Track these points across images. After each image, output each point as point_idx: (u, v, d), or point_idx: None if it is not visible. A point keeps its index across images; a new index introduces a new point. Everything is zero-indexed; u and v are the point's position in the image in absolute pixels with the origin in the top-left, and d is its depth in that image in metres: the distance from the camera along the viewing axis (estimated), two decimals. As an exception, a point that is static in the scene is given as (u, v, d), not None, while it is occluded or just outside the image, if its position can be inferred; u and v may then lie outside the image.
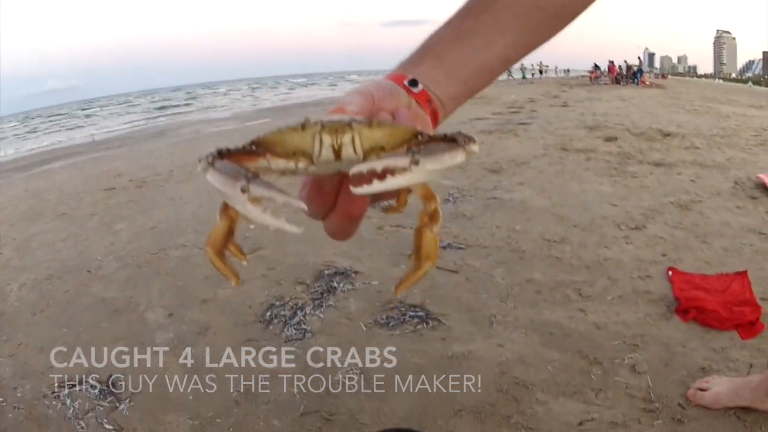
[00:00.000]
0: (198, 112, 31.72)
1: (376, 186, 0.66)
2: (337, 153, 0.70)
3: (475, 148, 0.71)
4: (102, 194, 7.04)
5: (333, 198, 0.75)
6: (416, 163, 0.65)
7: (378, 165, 0.66)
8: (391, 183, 0.66)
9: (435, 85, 0.90)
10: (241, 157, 0.71)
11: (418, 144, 0.73)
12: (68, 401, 2.72)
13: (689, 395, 2.42)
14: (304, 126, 0.69)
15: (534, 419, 2.36)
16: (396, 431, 1.75)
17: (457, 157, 0.69)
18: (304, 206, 0.68)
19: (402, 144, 0.74)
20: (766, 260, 3.78)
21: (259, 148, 0.73)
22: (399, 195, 0.83)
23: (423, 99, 0.88)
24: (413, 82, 0.88)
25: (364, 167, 0.67)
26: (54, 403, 2.72)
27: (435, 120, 0.90)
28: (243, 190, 0.62)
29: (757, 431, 2.22)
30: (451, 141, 0.71)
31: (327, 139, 0.69)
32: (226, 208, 0.74)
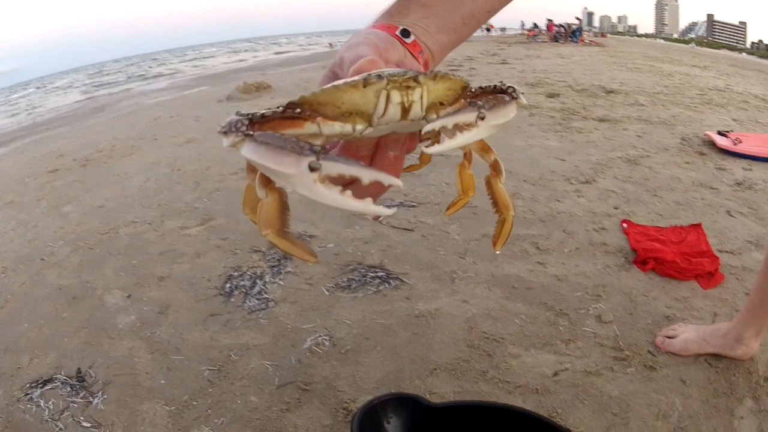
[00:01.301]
0: (135, 84, 31.13)
1: (446, 144, 0.63)
2: (405, 111, 0.63)
3: (524, 99, 0.71)
4: (47, 177, 6.84)
5: (368, 163, 0.69)
6: (482, 118, 0.64)
7: (449, 122, 0.63)
8: (461, 139, 0.63)
9: (425, 36, 0.89)
10: (280, 124, 0.62)
11: (474, 96, 0.71)
12: (42, 402, 2.61)
13: (657, 343, 2.47)
14: (366, 82, 0.61)
15: (509, 372, 2.38)
16: (393, 397, 1.73)
17: (513, 110, 0.69)
18: (400, 183, 0.59)
19: (456, 98, 0.70)
20: (719, 213, 3.87)
21: (303, 110, 0.64)
22: (423, 153, 0.74)
23: (416, 50, 0.86)
24: (405, 32, 0.85)
25: (437, 125, 0.63)
26: (29, 406, 2.61)
27: (426, 70, 0.88)
28: (312, 168, 0.52)
29: (730, 377, 2.27)
30: (501, 92, 0.71)
31: (396, 96, 0.62)
32: (268, 180, 0.65)
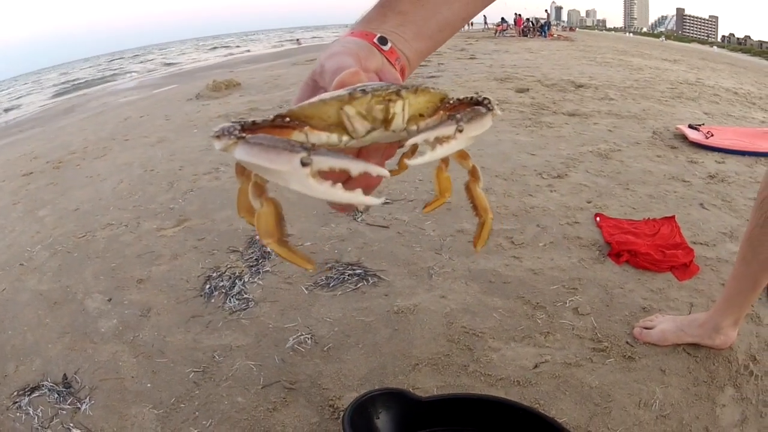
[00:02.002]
0: (104, 84, 30.82)
1: (428, 156, 0.66)
2: (387, 123, 0.68)
3: (499, 111, 0.74)
4: (21, 180, 6.76)
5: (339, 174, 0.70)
6: (461, 130, 0.66)
7: (431, 135, 0.66)
8: (441, 151, 0.66)
9: (402, 43, 0.91)
10: (270, 131, 0.66)
11: (452, 109, 0.74)
12: (30, 410, 2.60)
13: (635, 334, 2.51)
14: (351, 96, 0.65)
15: (490, 365, 2.42)
16: (382, 392, 1.76)
17: (490, 121, 0.71)
18: (386, 173, 0.63)
19: (435, 109, 0.74)
20: (692, 206, 3.93)
21: (291, 120, 0.68)
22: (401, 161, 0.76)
23: (392, 57, 0.88)
24: (382, 40, 0.87)
25: (419, 139, 0.66)
26: (18, 414, 2.59)
27: (402, 77, 0.91)
28: (304, 163, 0.55)
29: (710, 366, 2.32)
30: (477, 104, 0.73)
31: (379, 110, 0.66)
32: (261, 191, 0.68)
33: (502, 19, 34.66)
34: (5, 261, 4.21)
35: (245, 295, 3.19)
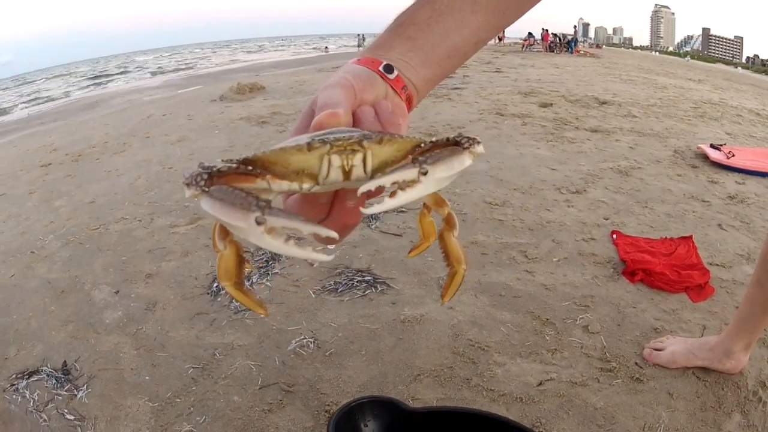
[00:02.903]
0: (131, 81, 31.17)
1: (388, 203, 0.64)
2: (347, 174, 0.67)
3: (479, 149, 0.70)
4: (39, 171, 6.83)
5: (327, 209, 0.73)
6: (425, 173, 0.64)
7: (386, 181, 0.64)
8: (403, 198, 0.64)
9: (409, 70, 0.89)
10: (235, 178, 0.67)
11: (422, 152, 0.70)
12: (27, 393, 2.62)
13: (645, 355, 2.45)
14: (310, 146, 0.65)
15: (494, 381, 2.37)
16: (372, 400, 1.73)
17: (465, 161, 0.68)
18: (335, 235, 0.62)
19: (405, 156, 0.71)
20: (710, 226, 3.86)
21: (255, 167, 0.68)
22: None
23: (398, 86, 0.86)
24: (388, 68, 0.86)
25: (372, 185, 0.64)
26: (14, 396, 2.62)
27: (410, 106, 0.90)
28: (259, 222, 0.58)
29: (718, 391, 2.26)
30: (455, 144, 0.70)
31: (336, 161, 0.66)
32: (225, 234, 0.70)
33: (529, 33, 34.62)
34: (17, 248, 4.24)
35: (252, 296, 3.14)
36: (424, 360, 2.53)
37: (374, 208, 0.64)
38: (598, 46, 43.20)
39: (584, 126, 7.10)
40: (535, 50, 30.12)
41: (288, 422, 2.25)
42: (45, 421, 2.43)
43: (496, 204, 4.29)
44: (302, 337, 2.76)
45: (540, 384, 2.34)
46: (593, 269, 3.28)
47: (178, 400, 2.44)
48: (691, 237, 3.59)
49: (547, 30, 32.64)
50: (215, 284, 3.30)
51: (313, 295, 3.13)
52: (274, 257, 3.53)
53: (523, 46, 33.24)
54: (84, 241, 4.22)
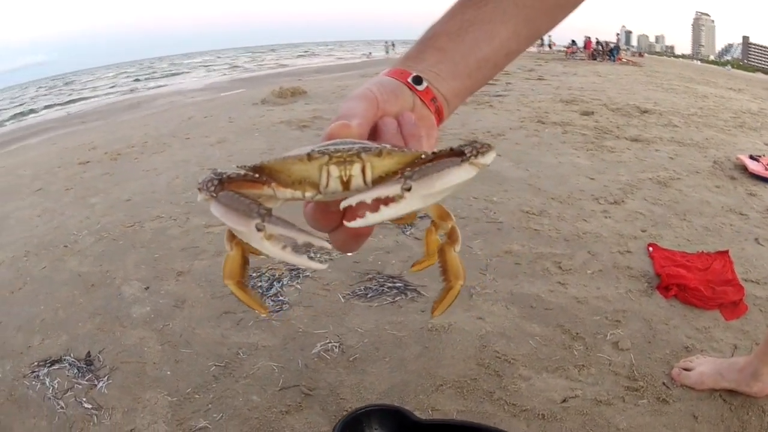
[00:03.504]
0: (173, 83, 31.57)
1: (370, 218, 0.64)
2: (346, 184, 0.68)
3: (485, 159, 0.67)
4: (77, 168, 6.96)
5: (339, 217, 0.71)
6: (408, 189, 0.63)
7: (368, 196, 0.64)
8: (385, 214, 0.64)
9: (439, 81, 0.88)
10: (244, 184, 0.70)
11: (417, 164, 0.70)
12: (47, 381, 2.67)
13: (673, 374, 2.39)
14: (310, 157, 0.66)
15: (517, 395, 2.33)
16: (380, 409, 1.71)
17: (461, 174, 0.66)
18: (327, 245, 0.66)
19: (407, 167, 0.70)
20: (747, 241, 3.77)
21: (262, 174, 0.71)
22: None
23: (427, 97, 0.86)
24: (417, 79, 0.86)
25: (353, 201, 0.65)
26: (33, 383, 2.68)
27: (439, 118, 0.89)
28: (258, 229, 0.61)
29: (743, 415, 2.19)
30: (459, 154, 0.68)
31: (335, 171, 0.67)
32: (233, 236, 0.73)
33: (572, 41, 34.37)
34: (49, 241, 4.32)
35: (281, 298, 3.19)
36: (448, 370, 2.50)
37: (356, 222, 0.65)
38: (640, 55, 42.60)
39: (624, 135, 7.01)
40: (578, 58, 29.88)
41: (304, 425, 2.25)
42: (62, 408, 2.48)
43: (533, 213, 4.25)
44: (328, 340, 2.77)
45: (564, 401, 2.29)
46: (627, 283, 3.22)
47: (197, 396, 2.47)
48: (727, 252, 3.50)
49: (589, 38, 32.39)
50: (245, 285, 3.31)
51: (342, 300, 3.13)
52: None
53: (566, 53, 33.04)
54: (118, 237, 4.28)
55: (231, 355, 2.71)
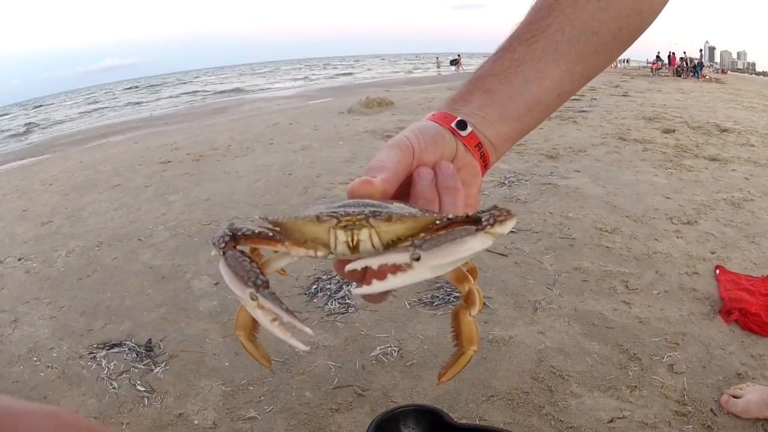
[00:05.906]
0: (261, 91, 31.89)
1: (376, 287, 0.62)
2: (354, 247, 0.67)
3: (502, 229, 0.64)
4: (158, 167, 7.19)
5: (362, 272, 0.69)
6: (417, 259, 0.61)
7: (374, 262, 0.63)
8: (391, 283, 0.62)
9: (485, 126, 0.85)
10: (259, 241, 0.72)
11: (430, 230, 0.68)
12: (104, 362, 2.82)
13: (722, 402, 2.38)
14: (319, 219, 0.67)
15: (565, 412, 2.36)
16: (418, 409, 1.76)
17: (474, 246, 0.63)
18: (309, 331, 0.64)
19: (421, 232, 0.69)
20: (814, 267, 3.67)
21: (276, 231, 0.73)
22: None
23: (472, 143, 0.83)
24: (461, 124, 0.83)
25: (357, 266, 0.64)
26: (89, 363, 2.83)
27: (485, 164, 0.86)
28: (252, 297, 0.65)
29: (781, 447, 2.17)
30: (475, 222, 0.65)
31: (342, 236, 0.67)
32: None
33: (657, 57, 33.68)
34: (124, 234, 4.51)
35: (347, 300, 3.28)
36: (501, 382, 2.54)
37: (362, 290, 0.64)
38: (723, 72, 41.35)
39: (703, 154, 6.88)
40: (663, 74, 29.29)
41: (351, 424, 2.32)
42: (114, 388, 2.63)
43: (606, 230, 4.24)
44: (387, 345, 2.84)
45: (611, 421, 2.31)
46: (691, 305, 3.20)
47: (251, 388, 2.57)
48: (793, 277, 3.44)
49: (673, 53, 31.70)
50: (314, 286, 3.44)
51: (408, 306, 3.20)
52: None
53: (652, 69, 32.44)
54: (193, 234, 4.44)
55: (291, 352, 2.78)
